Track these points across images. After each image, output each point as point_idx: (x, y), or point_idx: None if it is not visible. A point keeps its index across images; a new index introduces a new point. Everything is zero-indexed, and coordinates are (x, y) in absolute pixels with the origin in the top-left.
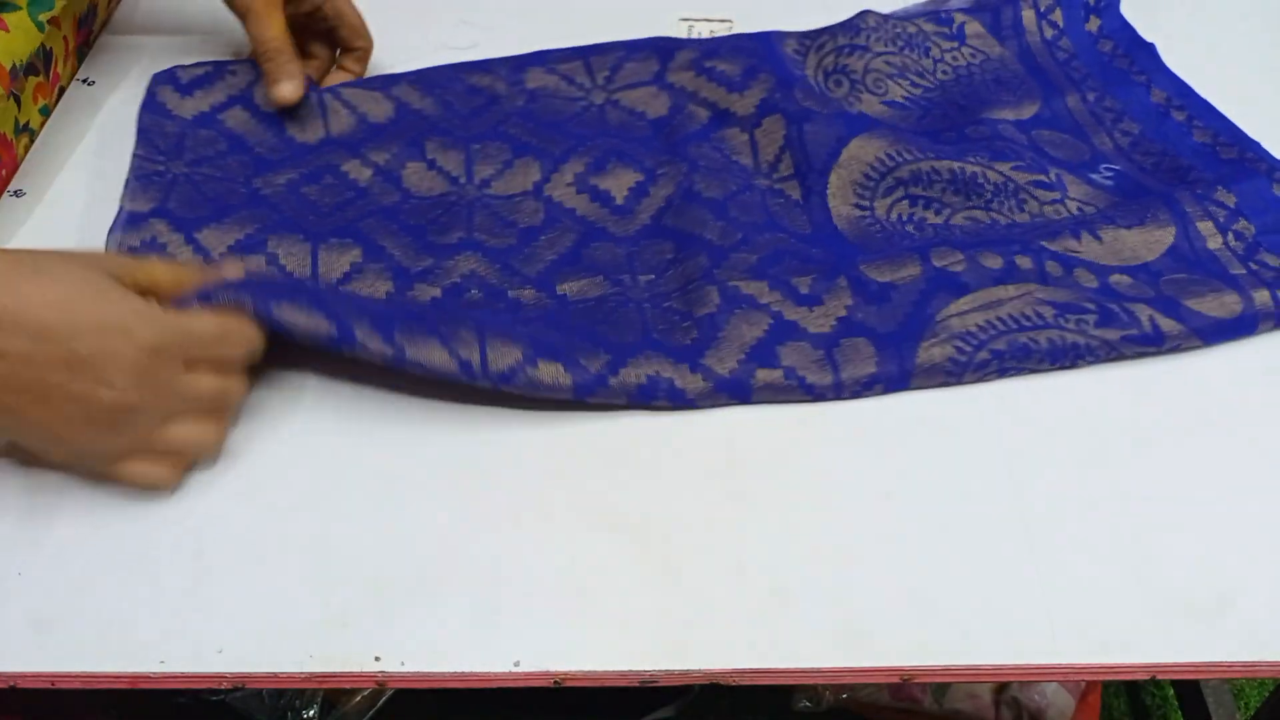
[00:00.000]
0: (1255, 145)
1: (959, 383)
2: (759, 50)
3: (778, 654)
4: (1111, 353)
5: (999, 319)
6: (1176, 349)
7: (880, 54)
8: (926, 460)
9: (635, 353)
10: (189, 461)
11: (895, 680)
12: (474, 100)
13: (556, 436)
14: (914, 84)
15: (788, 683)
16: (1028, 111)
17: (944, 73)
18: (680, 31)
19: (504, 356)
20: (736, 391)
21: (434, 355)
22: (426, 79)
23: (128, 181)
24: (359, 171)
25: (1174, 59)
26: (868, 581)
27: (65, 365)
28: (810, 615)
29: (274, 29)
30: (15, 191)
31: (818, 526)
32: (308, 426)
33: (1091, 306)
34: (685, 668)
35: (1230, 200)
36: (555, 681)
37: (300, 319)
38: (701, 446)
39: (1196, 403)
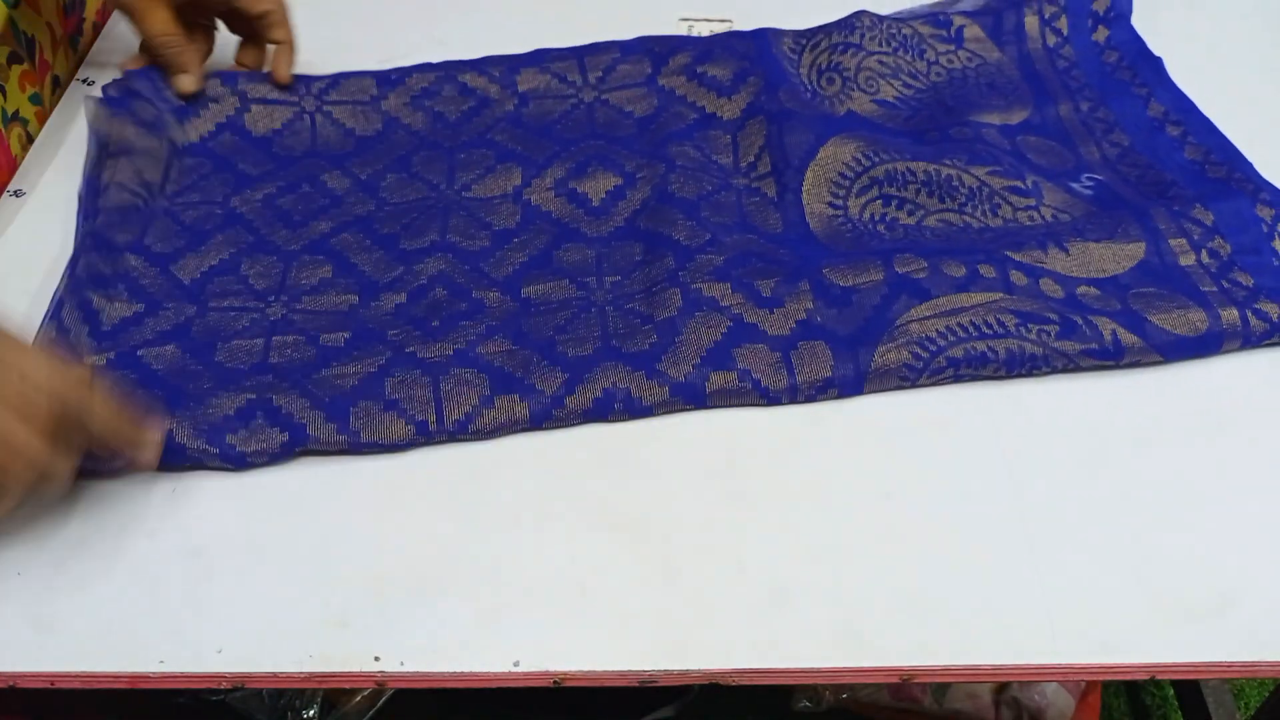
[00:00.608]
0: (1246, 166)
1: (913, 386)
2: (752, 51)
3: (777, 654)
4: (1069, 364)
5: (960, 325)
6: (1136, 364)
7: (874, 53)
8: (927, 460)
9: (593, 366)
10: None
11: (895, 680)
12: (465, 102)
13: (557, 437)
14: (906, 84)
15: (788, 683)
16: (1017, 117)
17: (937, 74)
18: (680, 32)
19: (460, 404)
20: (691, 396)
21: (390, 429)
22: (419, 88)
23: (98, 206)
24: (338, 181)
25: (1173, 59)
26: (868, 581)
27: None
28: (810, 615)
29: (157, 25)
30: (15, 191)
31: (818, 527)
32: None
33: (1054, 317)
34: (685, 667)
35: (1208, 218)
36: (555, 681)
37: (253, 443)
38: (701, 446)
39: (1196, 404)
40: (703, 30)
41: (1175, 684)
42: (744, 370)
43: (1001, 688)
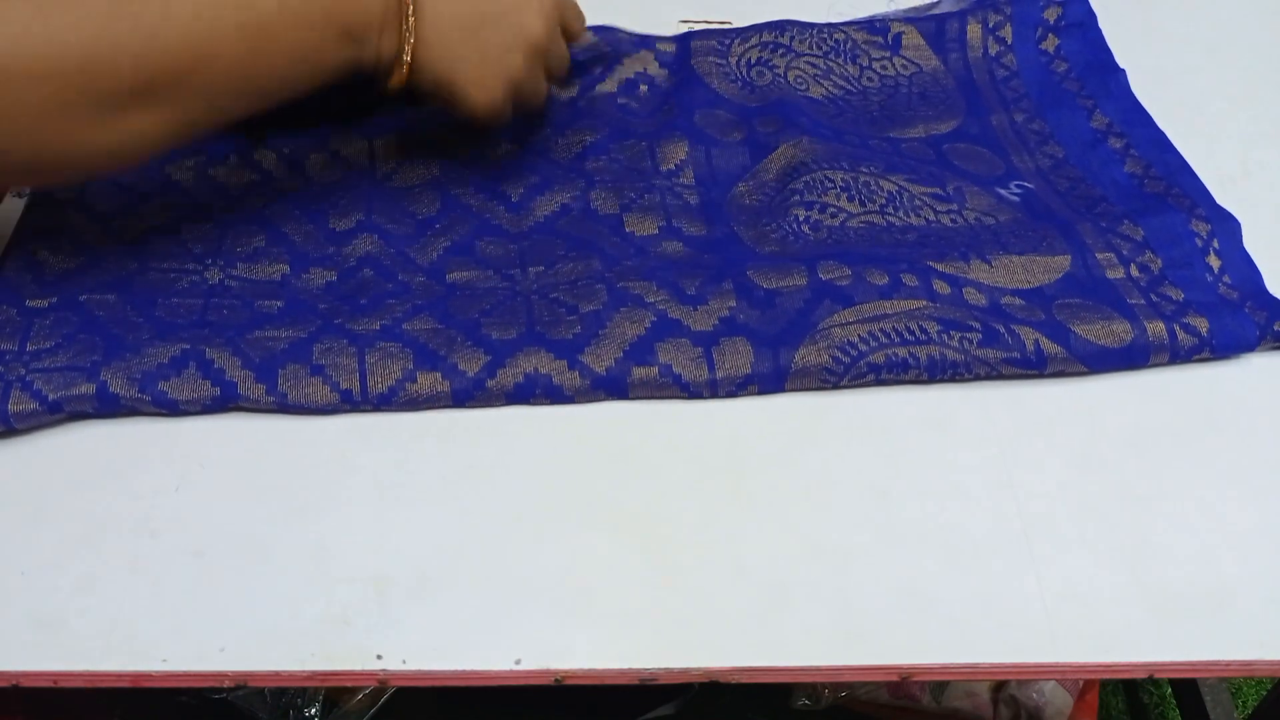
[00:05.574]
0: (1187, 182)
1: (834, 388)
2: (671, 82)
3: (777, 652)
4: (991, 372)
5: (882, 331)
6: (1061, 373)
7: (804, 55)
8: (925, 459)
9: (515, 350)
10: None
11: (894, 678)
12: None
13: (557, 435)
14: (836, 85)
15: (787, 681)
16: (945, 127)
17: (869, 79)
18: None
19: (384, 377)
20: (613, 388)
21: (315, 393)
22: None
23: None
24: (262, 154)
25: (1171, 59)
26: (867, 580)
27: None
28: (809, 613)
29: None
30: (18, 193)
31: (817, 525)
32: (308, 425)
33: (977, 325)
34: (685, 666)
35: (1138, 234)
36: (556, 679)
37: (184, 391)
38: (701, 445)
39: (1194, 403)
40: None
41: (1173, 682)
42: (665, 365)
43: (1000, 686)
